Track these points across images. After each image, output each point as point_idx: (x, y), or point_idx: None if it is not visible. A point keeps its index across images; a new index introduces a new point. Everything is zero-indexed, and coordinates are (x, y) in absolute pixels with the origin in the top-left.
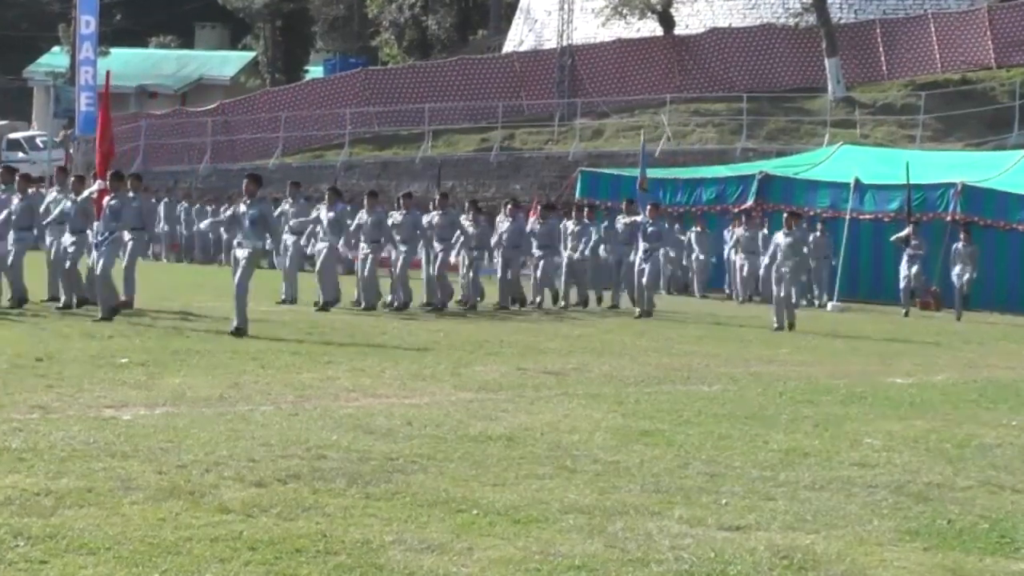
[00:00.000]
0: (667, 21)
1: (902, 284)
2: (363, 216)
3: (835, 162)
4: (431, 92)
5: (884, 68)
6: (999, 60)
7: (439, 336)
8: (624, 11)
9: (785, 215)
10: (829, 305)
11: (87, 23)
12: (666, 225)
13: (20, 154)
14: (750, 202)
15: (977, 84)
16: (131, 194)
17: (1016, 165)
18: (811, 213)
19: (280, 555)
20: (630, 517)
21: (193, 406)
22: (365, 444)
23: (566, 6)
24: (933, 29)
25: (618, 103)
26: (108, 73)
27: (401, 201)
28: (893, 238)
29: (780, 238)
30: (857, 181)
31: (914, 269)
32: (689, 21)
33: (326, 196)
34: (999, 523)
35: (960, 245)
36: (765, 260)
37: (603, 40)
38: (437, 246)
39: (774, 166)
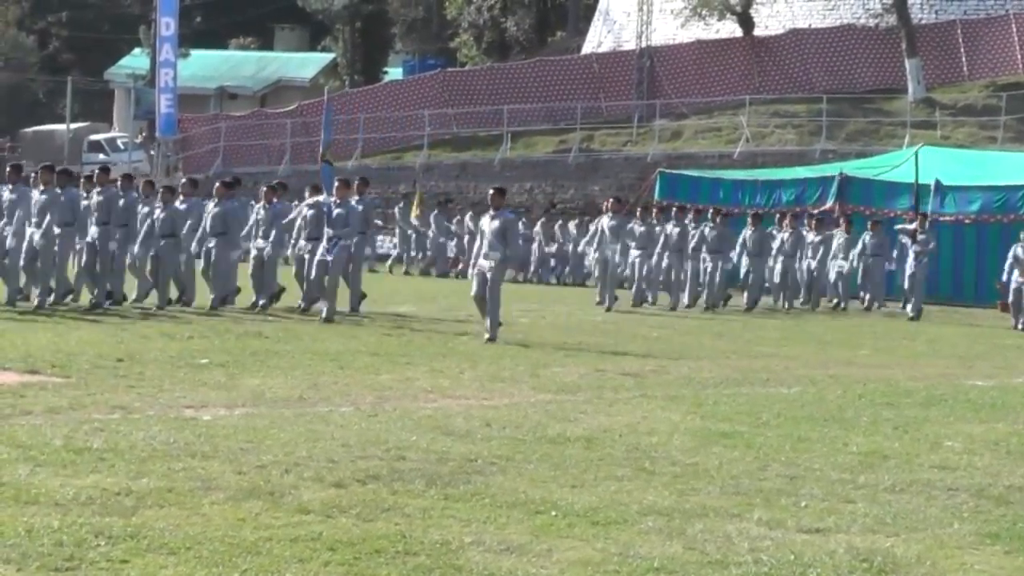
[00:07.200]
0: (746, 22)
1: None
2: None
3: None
4: (510, 93)
5: (965, 69)
6: None
7: (517, 337)
8: (703, 12)
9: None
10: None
11: (167, 25)
12: (359, 208)
13: (101, 156)
14: (830, 203)
15: None
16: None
17: None
18: (891, 215)
19: (359, 556)
20: (709, 519)
21: (272, 407)
22: (444, 445)
23: (645, 7)
24: (1015, 30)
25: (697, 104)
26: None
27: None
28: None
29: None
30: (938, 183)
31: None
32: (768, 22)
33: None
34: None
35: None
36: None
37: (682, 41)
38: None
39: (854, 167)
